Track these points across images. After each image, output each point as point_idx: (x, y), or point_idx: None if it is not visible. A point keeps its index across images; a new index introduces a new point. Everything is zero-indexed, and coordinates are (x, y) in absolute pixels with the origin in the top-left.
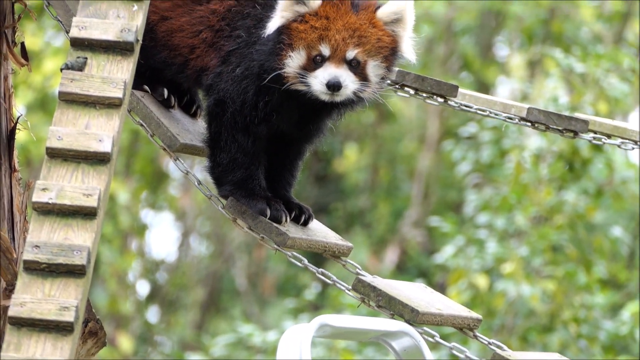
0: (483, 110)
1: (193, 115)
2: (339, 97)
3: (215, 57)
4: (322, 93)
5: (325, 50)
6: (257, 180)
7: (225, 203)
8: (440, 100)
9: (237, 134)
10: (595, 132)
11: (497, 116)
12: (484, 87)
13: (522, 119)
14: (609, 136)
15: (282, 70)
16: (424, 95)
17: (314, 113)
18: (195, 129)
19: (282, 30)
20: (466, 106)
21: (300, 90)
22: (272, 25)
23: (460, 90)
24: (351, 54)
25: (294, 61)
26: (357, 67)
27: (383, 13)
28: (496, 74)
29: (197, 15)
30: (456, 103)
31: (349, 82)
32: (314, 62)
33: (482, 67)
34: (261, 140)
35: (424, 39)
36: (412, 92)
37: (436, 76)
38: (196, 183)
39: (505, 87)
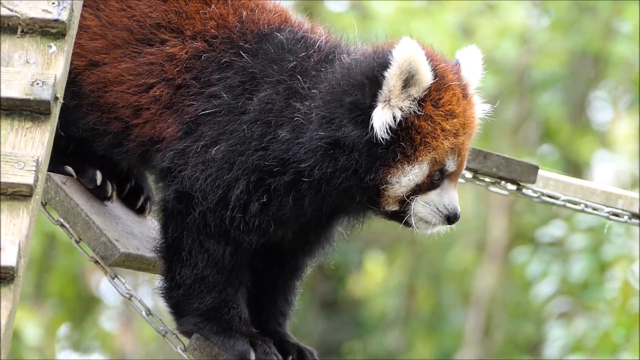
0: (575, 203)
1: (140, 211)
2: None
3: (174, 124)
4: (426, 224)
5: (452, 165)
6: (236, 310)
7: (187, 343)
8: (512, 187)
9: (207, 242)
10: None
11: (595, 212)
12: (576, 167)
13: (633, 215)
14: None
15: (384, 188)
16: (487, 180)
17: (327, 218)
18: (142, 232)
19: (397, 130)
20: (550, 197)
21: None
22: (380, 118)
23: (541, 172)
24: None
25: (408, 178)
26: None
27: (473, 86)
28: (593, 148)
29: (146, 62)
30: (535, 192)
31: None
32: (431, 181)
33: (573, 137)
34: (244, 251)
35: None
36: (468, 175)
37: (504, 151)
38: (144, 313)
39: (607, 168)
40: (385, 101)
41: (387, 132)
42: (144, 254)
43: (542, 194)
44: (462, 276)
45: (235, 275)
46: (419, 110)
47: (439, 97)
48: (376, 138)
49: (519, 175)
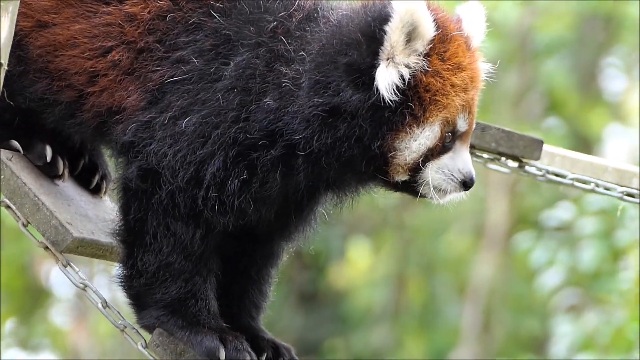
0: (584, 182)
1: (95, 191)
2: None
3: (136, 92)
4: (441, 192)
5: (463, 124)
6: (204, 301)
7: (149, 339)
8: (513, 164)
9: (175, 224)
10: None
11: (607, 192)
12: (586, 142)
13: None
14: None
15: (393, 155)
16: (485, 156)
17: (310, 196)
18: (98, 214)
19: (405, 90)
20: (556, 175)
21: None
22: (386, 78)
23: (546, 147)
24: None
25: (419, 142)
26: None
27: (477, 39)
28: (605, 121)
29: (102, 22)
30: (539, 170)
31: None
32: (443, 144)
33: (582, 108)
34: (215, 235)
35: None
36: None
37: (504, 124)
38: (100, 305)
39: (620, 143)
40: (388, 58)
41: (395, 93)
42: (99, 239)
43: (547, 172)
44: (458, 265)
45: (204, 263)
46: (425, 66)
47: (445, 49)
48: (383, 101)
49: (521, 150)
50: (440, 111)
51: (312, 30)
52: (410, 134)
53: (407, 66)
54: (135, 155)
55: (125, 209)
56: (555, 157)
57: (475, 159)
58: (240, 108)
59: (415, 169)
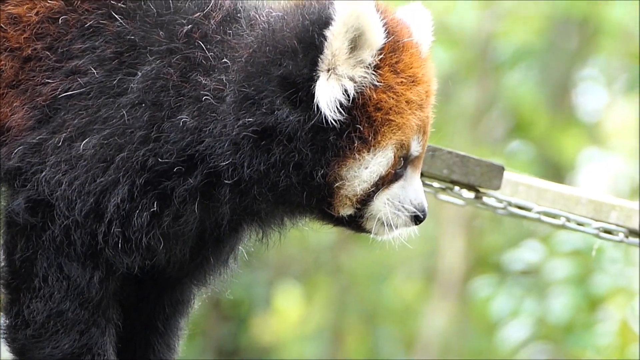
0: (553, 216)
1: None
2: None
3: (23, 108)
4: (388, 227)
5: (417, 147)
6: (102, 357)
7: None
8: (469, 195)
9: (69, 265)
10: None
11: (581, 227)
12: (556, 169)
13: (631, 232)
14: None
15: (340, 186)
16: (435, 185)
17: (233, 230)
18: None
19: (351, 108)
20: (520, 207)
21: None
22: (327, 94)
23: (508, 175)
24: None
25: (370, 170)
26: None
27: (425, 45)
28: (580, 144)
29: None
30: (499, 201)
31: None
32: (394, 172)
33: (553, 130)
34: (116, 278)
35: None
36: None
37: (460, 147)
38: None
39: (597, 170)
40: (329, 69)
41: (339, 112)
42: None
43: (510, 204)
44: (405, 316)
45: (102, 311)
46: (374, 80)
47: (397, 59)
48: (325, 121)
49: (478, 178)
50: (394, 133)
51: (236, 34)
52: (360, 160)
53: (352, 79)
54: (23, 184)
55: (9, 246)
56: (519, 186)
57: (424, 188)
58: (150, 126)
59: (364, 201)
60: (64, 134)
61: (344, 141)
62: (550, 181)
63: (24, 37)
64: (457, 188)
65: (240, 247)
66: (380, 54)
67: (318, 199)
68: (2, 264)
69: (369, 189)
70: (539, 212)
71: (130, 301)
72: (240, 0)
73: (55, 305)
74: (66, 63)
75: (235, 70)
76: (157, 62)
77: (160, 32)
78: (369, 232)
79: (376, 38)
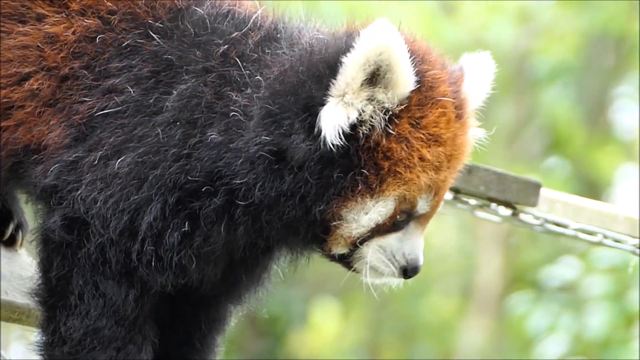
0: (590, 234)
1: (9, 243)
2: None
3: (59, 126)
4: (376, 273)
5: (424, 206)
6: None
7: None
8: (506, 212)
9: (104, 283)
10: None
11: (618, 244)
12: (593, 186)
13: None
14: None
15: (336, 225)
16: (472, 203)
17: (264, 252)
18: (13, 271)
19: (355, 150)
20: (557, 224)
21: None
22: (331, 119)
23: (545, 192)
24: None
25: (369, 217)
26: None
27: (473, 105)
28: (616, 161)
29: (17, 45)
30: (536, 218)
31: None
32: (393, 222)
33: (589, 147)
34: (152, 296)
35: None
36: (448, 196)
37: (496, 164)
38: None
39: (634, 187)
40: (339, 96)
41: (340, 139)
42: (14, 300)
43: (546, 221)
44: (442, 332)
45: (138, 329)
46: (388, 126)
47: (423, 114)
48: (331, 153)
49: (514, 195)
50: (399, 186)
51: (274, 53)
52: (362, 204)
53: (359, 111)
54: (59, 201)
55: (46, 264)
56: (556, 203)
57: (461, 205)
58: (183, 144)
59: (358, 243)
60: (100, 152)
61: (348, 182)
62: (586, 198)
63: (61, 57)
64: (494, 205)
65: (274, 267)
66: (405, 103)
67: (314, 233)
68: (39, 282)
69: (365, 234)
70: (576, 229)
71: (166, 319)
72: (281, 19)
73: (92, 323)
74: (103, 81)
75: (265, 87)
76: (193, 80)
77: (197, 52)
78: (357, 272)
79: (401, 82)
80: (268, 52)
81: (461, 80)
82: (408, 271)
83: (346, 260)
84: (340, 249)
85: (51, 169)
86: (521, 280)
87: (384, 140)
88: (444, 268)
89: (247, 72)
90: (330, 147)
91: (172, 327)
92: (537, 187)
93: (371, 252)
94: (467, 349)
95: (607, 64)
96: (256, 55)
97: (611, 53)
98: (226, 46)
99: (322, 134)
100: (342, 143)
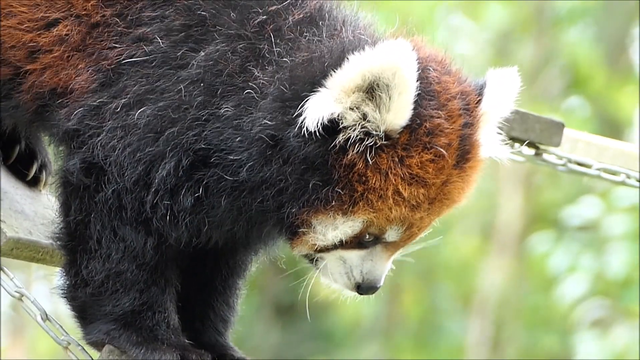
0: (613, 173)
1: (33, 183)
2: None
3: (87, 71)
4: (332, 280)
5: (393, 235)
6: (163, 314)
7: (97, 357)
8: (528, 152)
9: (122, 229)
10: None
11: None
12: (614, 126)
13: None
14: None
15: (304, 232)
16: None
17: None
18: (37, 211)
19: (333, 162)
20: (579, 164)
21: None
22: (316, 108)
23: (567, 132)
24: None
25: (336, 233)
26: None
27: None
28: (637, 101)
29: None
30: (559, 158)
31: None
32: (359, 240)
33: (610, 86)
34: (170, 246)
35: (492, 32)
36: None
37: (518, 104)
38: (39, 318)
39: None
40: (331, 89)
41: (318, 131)
42: (38, 240)
43: (569, 161)
44: (462, 272)
45: (160, 272)
46: (368, 153)
47: (409, 154)
48: (313, 155)
49: (537, 135)
50: (369, 212)
51: (311, 38)
52: (332, 219)
53: (343, 110)
54: (80, 145)
55: (65, 208)
56: (579, 143)
57: None
58: (203, 109)
59: (320, 251)
60: (124, 100)
61: (323, 195)
62: (608, 138)
63: (91, 4)
64: (517, 145)
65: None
66: (390, 139)
67: (281, 230)
68: (59, 225)
69: (329, 246)
70: (599, 169)
71: (187, 263)
72: (335, 10)
73: (114, 266)
74: (135, 29)
75: (288, 69)
76: (223, 44)
77: (232, 14)
78: (317, 268)
79: (391, 112)
80: (305, 36)
81: (478, 123)
82: (362, 288)
83: (308, 257)
84: (303, 252)
85: (75, 112)
86: (542, 220)
87: (361, 164)
88: (465, 208)
89: (278, 49)
90: (307, 135)
91: (194, 271)
92: (560, 126)
93: (331, 260)
94: (487, 288)
95: (628, 4)
96: (292, 35)
97: None
98: (264, 17)
99: (303, 117)
100: (319, 134)
